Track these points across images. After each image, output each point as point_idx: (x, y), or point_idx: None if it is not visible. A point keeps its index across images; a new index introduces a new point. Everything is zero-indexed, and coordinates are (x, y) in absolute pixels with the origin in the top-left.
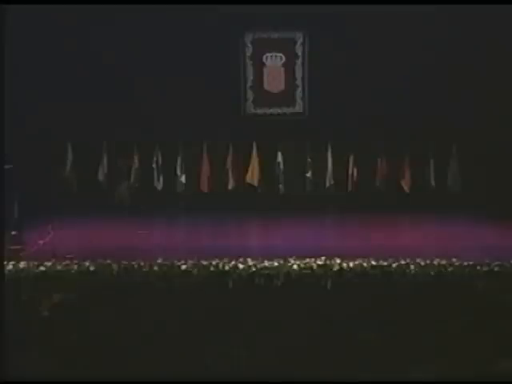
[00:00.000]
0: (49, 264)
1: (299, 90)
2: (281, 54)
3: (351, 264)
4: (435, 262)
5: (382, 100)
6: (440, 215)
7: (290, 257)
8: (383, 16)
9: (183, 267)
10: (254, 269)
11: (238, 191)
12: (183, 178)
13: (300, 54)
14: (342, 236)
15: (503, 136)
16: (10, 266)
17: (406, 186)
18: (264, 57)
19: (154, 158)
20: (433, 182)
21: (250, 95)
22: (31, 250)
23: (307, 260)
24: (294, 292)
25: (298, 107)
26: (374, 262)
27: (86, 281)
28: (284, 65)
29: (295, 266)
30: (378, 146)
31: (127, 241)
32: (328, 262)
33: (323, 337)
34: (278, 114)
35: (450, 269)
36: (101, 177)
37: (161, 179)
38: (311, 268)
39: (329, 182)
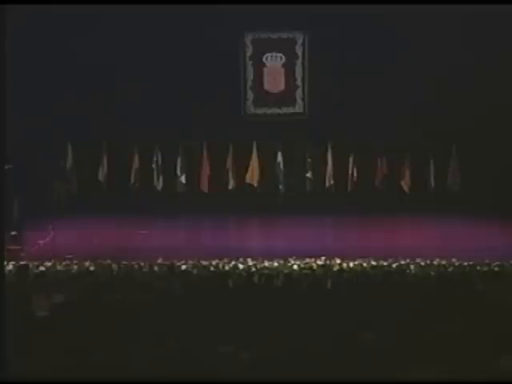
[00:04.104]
0: (49, 264)
1: (299, 90)
2: (281, 54)
3: (351, 264)
4: (435, 262)
5: (382, 100)
6: (440, 215)
7: (290, 257)
8: (383, 16)
9: (183, 267)
10: (253, 269)
11: (238, 191)
12: (183, 178)
13: (300, 54)
14: (342, 236)
15: (503, 136)
16: (10, 266)
17: (405, 186)
18: (264, 57)
19: (154, 158)
20: (433, 182)
21: (250, 95)
22: (31, 250)
23: (307, 260)
24: (294, 292)
25: (298, 107)
26: (373, 262)
27: (85, 281)
28: (284, 65)
29: (295, 266)
30: (378, 145)
31: (127, 241)
32: (328, 262)
33: (323, 337)
34: (278, 114)
35: (449, 269)
36: (101, 177)
37: (161, 179)
38: (311, 268)
39: (329, 181)
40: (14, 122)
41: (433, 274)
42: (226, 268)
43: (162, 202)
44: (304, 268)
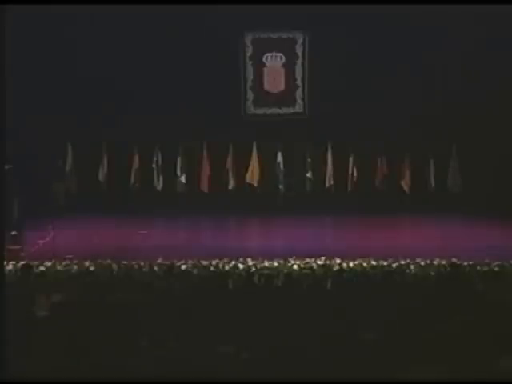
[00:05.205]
0: (49, 264)
1: (299, 90)
2: (281, 54)
3: (351, 264)
4: (435, 262)
5: (381, 100)
6: (440, 215)
7: (290, 257)
8: (383, 16)
9: (183, 267)
10: (253, 269)
11: (238, 191)
12: (183, 178)
13: (300, 54)
14: (342, 236)
15: (503, 136)
16: (10, 266)
17: (406, 186)
18: (264, 57)
19: (154, 158)
20: (433, 182)
21: (250, 95)
22: (31, 250)
23: (307, 260)
24: (293, 292)
25: (298, 107)
26: (373, 262)
27: (85, 281)
28: (284, 65)
29: (295, 266)
30: (378, 145)
31: (127, 241)
32: (328, 262)
33: (323, 337)
34: (278, 114)
35: (449, 269)
36: (101, 177)
37: (161, 179)
38: (311, 268)
39: (329, 182)
40: (14, 122)
41: (433, 274)
42: (226, 268)
43: (162, 201)
44: (304, 268)
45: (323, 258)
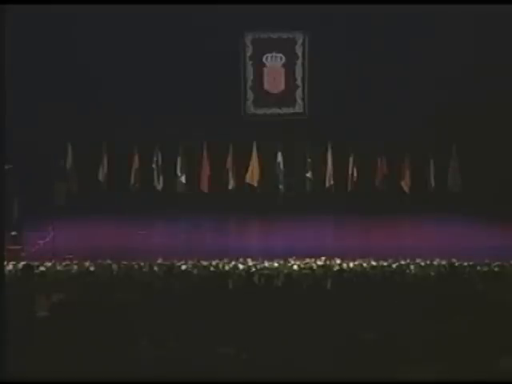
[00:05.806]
0: (49, 264)
1: (299, 90)
2: (281, 54)
3: (351, 264)
4: (435, 262)
5: (382, 100)
6: (440, 215)
7: (290, 257)
8: (383, 16)
9: (183, 267)
10: (253, 269)
11: (238, 191)
12: (183, 178)
13: (300, 54)
14: (342, 236)
15: (503, 136)
16: (10, 266)
17: (405, 186)
18: (264, 57)
19: (154, 158)
20: (433, 182)
21: (250, 95)
22: (31, 250)
23: (307, 260)
24: (294, 292)
25: (298, 107)
26: (373, 262)
27: (85, 281)
28: (284, 65)
29: (295, 267)
30: (378, 145)
31: (127, 241)
32: (328, 262)
33: (323, 337)
34: (278, 114)
35: (449, 269)
36: (101, 177)
37: (161, 179)
38: (311, 268)
39: (329, 182)
40: (14, 122)
41: (433, 274)
42: (226, 268)
43: (162, 202)
44: (304, 268)
45: (323, 258)
